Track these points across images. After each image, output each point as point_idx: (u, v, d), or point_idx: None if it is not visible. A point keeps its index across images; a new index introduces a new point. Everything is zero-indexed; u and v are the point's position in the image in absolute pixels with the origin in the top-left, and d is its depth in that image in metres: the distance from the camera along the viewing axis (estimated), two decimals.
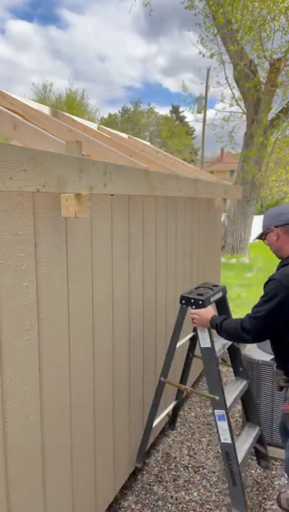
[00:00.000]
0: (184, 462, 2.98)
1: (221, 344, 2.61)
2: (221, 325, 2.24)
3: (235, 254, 12.55)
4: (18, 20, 77.38)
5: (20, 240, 1.51)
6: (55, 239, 1.72)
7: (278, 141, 11.60)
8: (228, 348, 2.80)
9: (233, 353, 2.87)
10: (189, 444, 3.16)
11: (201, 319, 2.35)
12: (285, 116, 10.90)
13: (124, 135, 4.23)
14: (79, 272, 1.92)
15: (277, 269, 2.19)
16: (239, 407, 3.39)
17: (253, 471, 2.88)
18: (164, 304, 3.11)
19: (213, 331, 2.35)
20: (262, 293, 2.12)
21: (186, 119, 47.28)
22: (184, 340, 2.83)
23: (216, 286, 2.81)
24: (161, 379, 2.61)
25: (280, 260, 2.25)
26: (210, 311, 2.36)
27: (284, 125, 11.17)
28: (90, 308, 2.04)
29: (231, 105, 12.03)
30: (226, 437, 2.28)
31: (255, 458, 2.96)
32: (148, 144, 4.84)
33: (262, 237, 2.31)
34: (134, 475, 2.79)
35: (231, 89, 11.57)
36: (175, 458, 3.03)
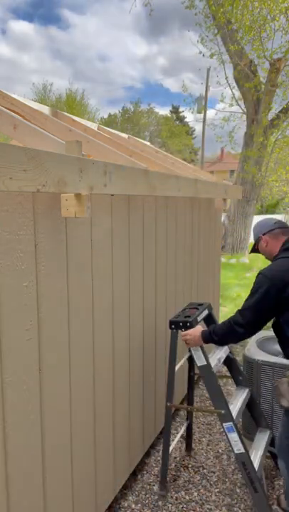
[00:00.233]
0: (184, 462, 2.98)
1: (216, 359, 2.63)
2: (214, 331, 2.34)
3: (235, 254, 12.56)
4: (19, 21, 77.35)
5: (20, 240, 1.51)
6: (55, 239, 1.72)
7: (278, 141, 11.61)
8: (224, 361, 2.80)
9: (230, 364, 2.88)
10: None
11: (192, 338, 2.42)
12: (285, 116, 10.90)
13: (124, 135, 4.23)
14: (79, 272, 1.92)
15: None
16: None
17: None
18: (164, 303, 3.11)
19: (209, 346, 2.41)
20: None
21: (186, 119, 47.28)
22: (181, 363, 2.82)
23: (201, 304, 2.90)
24: (168, 404, 2.63)
25: None
26: (198, 329, 2.46)
27: (284, 125, 11.17)
28: (90, 308, 2.04)
29: (231, 105, 12.04)
30: (238, 448, 2.30)
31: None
32: (148, 143, 4.84)
33: (255, 248, 2.51)
34: (134, 475, 2.79)
35: (231, 89, 11.59)
36: (175, 458, 3.03)
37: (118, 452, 2.45)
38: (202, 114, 21.39)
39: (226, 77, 11.45)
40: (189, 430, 3.10)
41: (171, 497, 2.62)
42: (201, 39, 11.51)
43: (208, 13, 10.92)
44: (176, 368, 2.66)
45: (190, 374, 3.01)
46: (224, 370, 3.03)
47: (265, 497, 2.31)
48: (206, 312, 2.83)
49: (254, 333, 2.24)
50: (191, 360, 3.01)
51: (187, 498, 2.61)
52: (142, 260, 2.66)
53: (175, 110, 48.10)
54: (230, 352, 2.82)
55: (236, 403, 2.62)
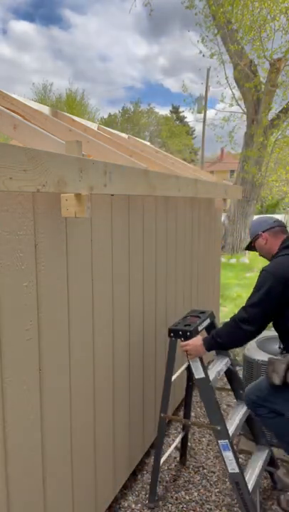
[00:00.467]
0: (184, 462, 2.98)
1: (216, 371, 2.49)
2: (217, 333, 2.26)
3: (235, 254, 12.55)
4: (20, 21, 77.42)
5: (20, 240, 1.51)
6: (55, 239, 1.72)
7: (278, 141, 11.60)
8: (225, 373, 2.67)
9: (231, 376, 2.75)
10: (189, 444, 3.16)
11: (194, 347, 2.30)
12: (285, 116, 10.89)
13: (124, 135, 4.23)
14: (79, 272, 1.92)
15: None
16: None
17: None
18: (164, 303, 3.11)
19: (209, 355, 2.31)
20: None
21: (186, 119, 47.32)
22: (179, 372, 2.70)
23: (203, 312, 2.74)
24: (162, 415, 2.49)
25: None
26: (199, 338, 2.34)
27: (284, 125, 11.16)
28: (90, 308, 2.04)
29: (231, 105, 12.03)
30: (233, 467, 2.20)
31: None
32: (148, 143, 4.84)
33: (251, 245, 2.49)
34: (134, 475, 2.79)
35: (231, 89, 11.58)
36: (175, 458, 3.03)
37: (118, 452, 2.45)
38: (202, 114, 21.42)
39: (226, 77, 11.45)
40: (184, 441, 2.94)
41: (171, 497, 2.62)
42: (201, 39, 11.51)
43: (208, 13, 10.91)
44: (173, 378, 2.52)
45: (188, 384, 2.87)
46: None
47: None
48: (208, 321, 2.65)
49: (260, 331, 2.18)
50: (189, 369, 2.94)
51: (187, 498, 2.61)
52: (142, 260, 2.66)
53: (175, 110, 48.12)
54: (231, 364, 2.69)
55: (234, 418, 2.50)
